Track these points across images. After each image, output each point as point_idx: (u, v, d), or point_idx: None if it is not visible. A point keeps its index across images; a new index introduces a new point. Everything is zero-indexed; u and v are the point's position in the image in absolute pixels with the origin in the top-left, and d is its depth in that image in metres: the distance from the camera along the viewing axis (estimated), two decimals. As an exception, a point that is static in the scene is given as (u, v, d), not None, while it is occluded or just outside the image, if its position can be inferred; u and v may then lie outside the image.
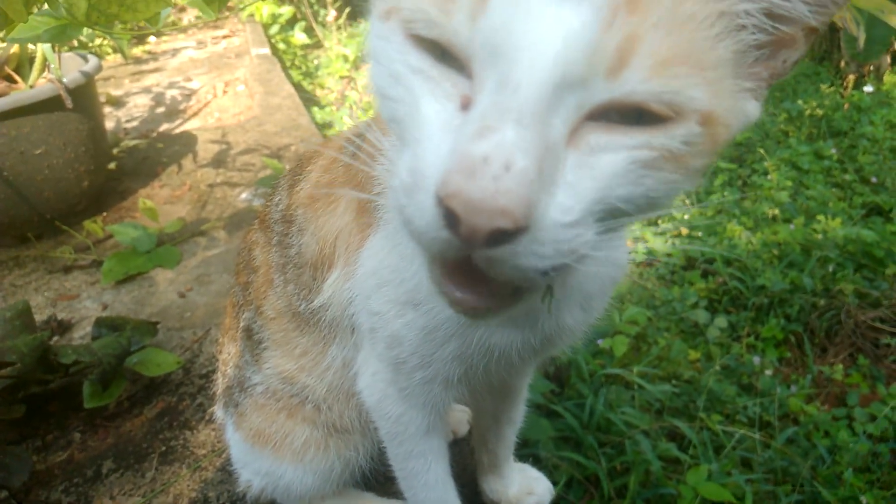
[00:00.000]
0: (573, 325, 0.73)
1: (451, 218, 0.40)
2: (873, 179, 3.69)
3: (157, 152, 2.89)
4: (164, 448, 1.37)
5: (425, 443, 0.85)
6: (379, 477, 1.08)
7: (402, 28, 0.47)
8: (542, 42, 0.41)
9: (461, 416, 1.27)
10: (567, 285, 0.68)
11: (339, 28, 6.14)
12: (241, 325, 1.00)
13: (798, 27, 0.49)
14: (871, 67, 5.19)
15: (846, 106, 4.56)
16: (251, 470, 1.02)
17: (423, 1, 0.44)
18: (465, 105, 0.44)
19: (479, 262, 0.43)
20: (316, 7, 6.26)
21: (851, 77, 5.11)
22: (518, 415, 1.05)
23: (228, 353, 1.06)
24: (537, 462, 1.92)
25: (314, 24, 6.07)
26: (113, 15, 1.26)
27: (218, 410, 1.11)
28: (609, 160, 0.44)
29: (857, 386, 2.56)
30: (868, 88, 4.71)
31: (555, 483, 1.85)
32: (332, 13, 6.27)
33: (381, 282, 0.73)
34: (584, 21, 0.40)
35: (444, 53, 0.46)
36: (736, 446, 2.08)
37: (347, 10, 6.24)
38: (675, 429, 2.10)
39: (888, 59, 5.42)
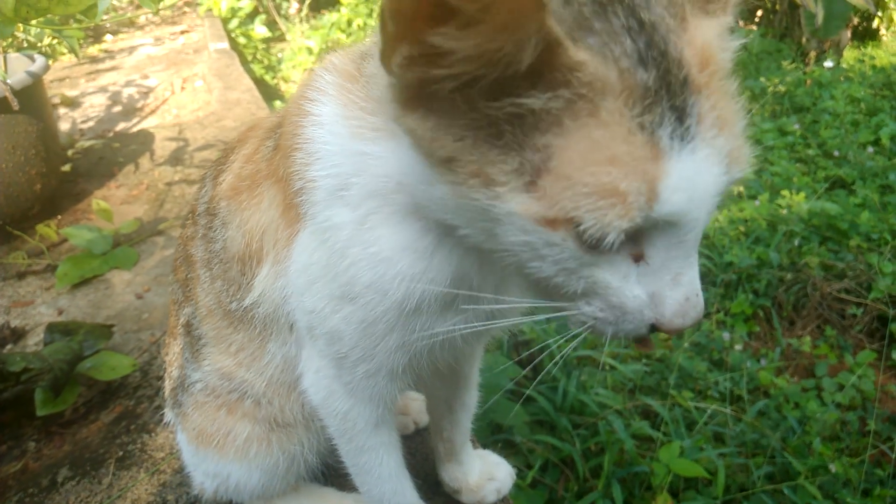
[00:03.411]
0: (512, 307, 0.73)
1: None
2: (835, 153, 3.75)
3: (113, 152, 2.81)
4: (121, 453, 1.33)
5: (375, 437, 0.83)
6: (341, 471, 1.05)
7: (576, 237, 0.50)
8: (707, 208, 0.52)
9: (422, 406, 1.25)
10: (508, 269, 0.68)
11: (301, 20, 6.05)
12: (182, 321, 0.96)
13: None
14: (832, 43, 5.26)
15: (808, 82, 4.61)
16: (201, 472, 0.99)
17: (603, 213, 0.48)
18: (638, 259, 0.54)
19: None
20: (278, 0, 6.17)
21: (813, 53, 5.17)
22: (472, 400, 1.03)
23: (174, 353, 1.03)
24: (512, 447, 1.92)
25: (277, 18, 5.98)
26: (43, 9, 1.20)
27: (168, 413, 1.08)
28: None
29: (825, 357, 2.60)
30: (828, 64, 4.77)
31: (530, 467, 1.85)
32: (294, 5, 6.19)
33: (313, 278, 0.71)
34: (721, 172, 0.52)
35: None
36: (708, 421, 2.09)
37: (308, 0, 6.16)
38: (647, 407, 2.10)
39: (848, 35, 5.49)
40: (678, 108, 0.49)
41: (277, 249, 0.75)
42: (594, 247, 0.51)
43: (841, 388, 2.40)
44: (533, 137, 0.49)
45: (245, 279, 0.81)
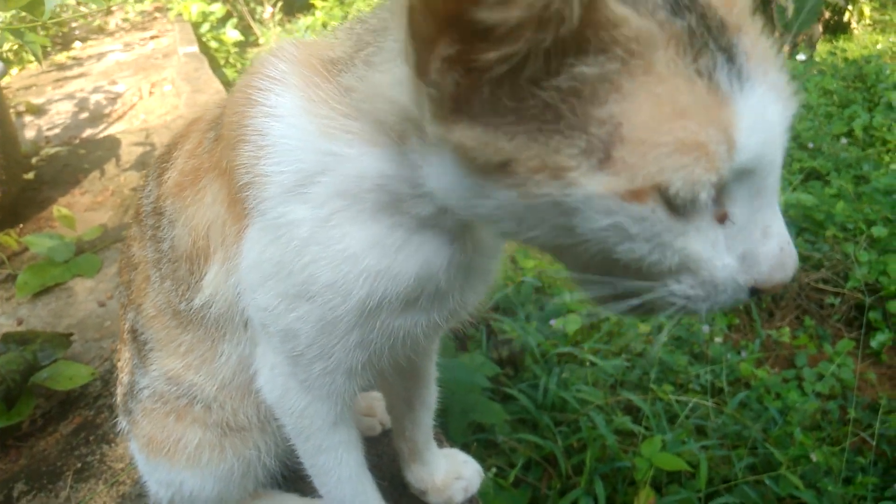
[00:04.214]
0: (474, 298, 0.73)
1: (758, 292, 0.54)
2: (810, 145, 3.77)
3: (78, 159, 2.74)
4: (79, 465, 1.28)
5: (334, 436, 0.80)
6: (301, 473, 1.02)
7: (666, 204, 0.48)
8: (780, 146, 0.51)
9: (389, 405, 1.21)
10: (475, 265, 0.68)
11: (275, 24, 6.00)
12: (126, 325, 0.92)
13: None
14: (804, 37, 5.31)
15: (782, 75, 4.64)
16: (154, 481, 0.94)
17: (690, 169, 0.46)
18: (722, 219, 0.51)
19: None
20: (252, 5, 6.11)
21: (786, 47, 5.22)
22: (431, 398, 1.01)
23: (124, 359, 0.98)
24: (494, 446, 1.89)
25: (251, 22, 5.92)
26: (-17, 6, 1.16)
27: (121, 420, 1.03)
28: None
29: (804, 347, 2.60)
30: (801, 57, 4.81)
31: (512, 466, 1.81)
32: (268, 9, 6.13)
33: (265, 275, 0.67)
34: (784, 108, 0.50)
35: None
36: (689, 415, 2.08)
37: (279, 3, 6.10)
38: (629, 402, 2.08)
39: (820, 28, 5.55)
40: (725, 48, 0.48)
41: (227, 246, 0.72)
42: (686, 212, 0.48)
43: (821, 377, 2.40)
44: (593, 111, 0.46)
45: (193, 278, 0.78)
